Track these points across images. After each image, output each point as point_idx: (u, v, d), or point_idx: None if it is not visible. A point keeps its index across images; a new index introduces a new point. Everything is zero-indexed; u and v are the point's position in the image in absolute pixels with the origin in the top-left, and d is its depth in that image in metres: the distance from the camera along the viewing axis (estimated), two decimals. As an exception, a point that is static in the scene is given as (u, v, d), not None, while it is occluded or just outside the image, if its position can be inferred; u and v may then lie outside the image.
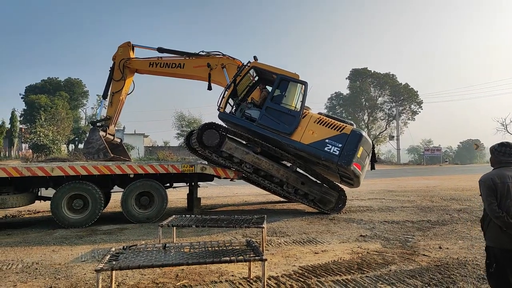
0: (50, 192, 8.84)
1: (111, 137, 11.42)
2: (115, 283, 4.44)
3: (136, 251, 4.61)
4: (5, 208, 8.32)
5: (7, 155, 46.62)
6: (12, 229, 8.48)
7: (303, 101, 9.53)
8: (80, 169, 8.49)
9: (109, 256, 4.25)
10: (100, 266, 3.90)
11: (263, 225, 6.07)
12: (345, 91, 60.98)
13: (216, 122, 9.88)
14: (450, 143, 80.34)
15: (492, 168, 3.47)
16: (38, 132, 39.09)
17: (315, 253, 6.12)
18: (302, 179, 9.82)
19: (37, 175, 8.26)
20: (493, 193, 3.25)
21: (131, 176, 8.90)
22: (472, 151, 67.02)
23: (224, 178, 9.95)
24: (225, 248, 4.78)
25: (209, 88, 10.62)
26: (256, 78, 10.71)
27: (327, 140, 9.16)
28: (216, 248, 4.78)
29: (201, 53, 10.82)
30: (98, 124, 11.33)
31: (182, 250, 4.73)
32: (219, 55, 10.68)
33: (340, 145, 9.05)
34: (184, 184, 10.37)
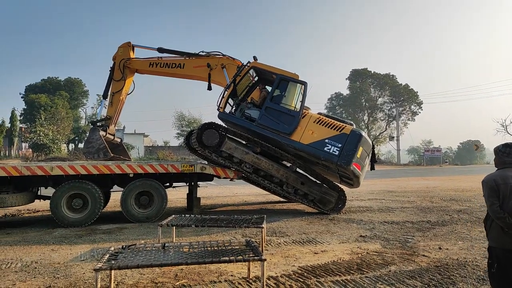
0: (49, 191, 8.83)
1: (111, 137, 11.44)
2: (114, 282, 4.43)
3: (135, 250, 4.60)
4: (4, 207, 8.33)
5: (7, 154, 46.59)
6: (11, 228, 8.47)
7: (302, 101, 9.53)
8: (80, 169, 8.48)
9: (108, 256, 4.25)
10: (99, 265, 3.89)
11: (263, 225, 6.06)
12: (345, 92, 61.12)
13: (216, 122, 9.88)
14: (450, 144, 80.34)
15: (496, 169, 3.47)
16: (38, 132, 39.04)
17: (315, 253, 6.11)
18: (302, 179, 9.81)
19: (37, 174, 8.25)
20: (495, 194, 3.26)
21: (131, 175, 8.90)
22: (472, 152, 66.97)
23: (224, 178, 9.95)
24: (224, 248, 4.77)
25: (209, 88, 10.64)
26: (256, 78, 10.72)
27: (326, 140, 9.15)
28: (216, 248, 4.77)
29: (201, 53, 10.83)
30: (98, 124, 11.36)
31: (181, 249, 4.73)
32: (219, 55, 10.69)
33: (339, 145, 9.05)
34: (184, 183, 10.37)
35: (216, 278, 4.84)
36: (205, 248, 4.77)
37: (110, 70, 11.24)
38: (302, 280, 4.78)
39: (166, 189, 9.27)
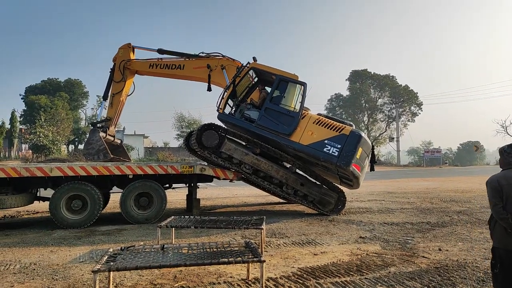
0: (49, 192, 8.82)
1: (111, 138, 11.44)
2: (112, 284, 4.41)
3: (134, 252, 4.58)
4: (3, 208, 8.30)
5: (7, 155, 46.57)
6: (10, 229, 8.46)
7: (302, 102, 9.53)
8: (79, 170, 8.47)
9: (106, 257, 4.23)
10: (97, 267, 3.87)
11: (262, 226, 6.05)
12: (345, 92, 61.13)
13: (216, 123, 9.88)
14: (450, 145, 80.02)
15: (501, 169, 3.46)
16: (38, 133, 39.05)
17: (314, 254, 6.10)
18: (302, 180, 9.80)
19: (36, 175, 8.24)
20: (498, 195, 3.26)
21: (130, 176, 8.88)
22: (472, 153, 66.92)
23: (224, 179, 9.94)
24: (223, 249, 4.76)
25: (209, 89, 10.64)
26: (256, 79, 10.72)
27: (326, 141, 9.15)
28: (215, 249, 4.76)
29: (201, 54, 10.84)
30: (98, 125, 11.35)
31: (180, 251, 4.71)
32: (218, 56, 10.69)
33: (339, 146, 9.04)
34: (183, 185, 10.36)
35: (215, 280, 4.83)
36: (204, 250, 4.75)
37: (110, 72, 11.25)
38: (301, 281, 4.77)
39: (165, 190, 9.26)
